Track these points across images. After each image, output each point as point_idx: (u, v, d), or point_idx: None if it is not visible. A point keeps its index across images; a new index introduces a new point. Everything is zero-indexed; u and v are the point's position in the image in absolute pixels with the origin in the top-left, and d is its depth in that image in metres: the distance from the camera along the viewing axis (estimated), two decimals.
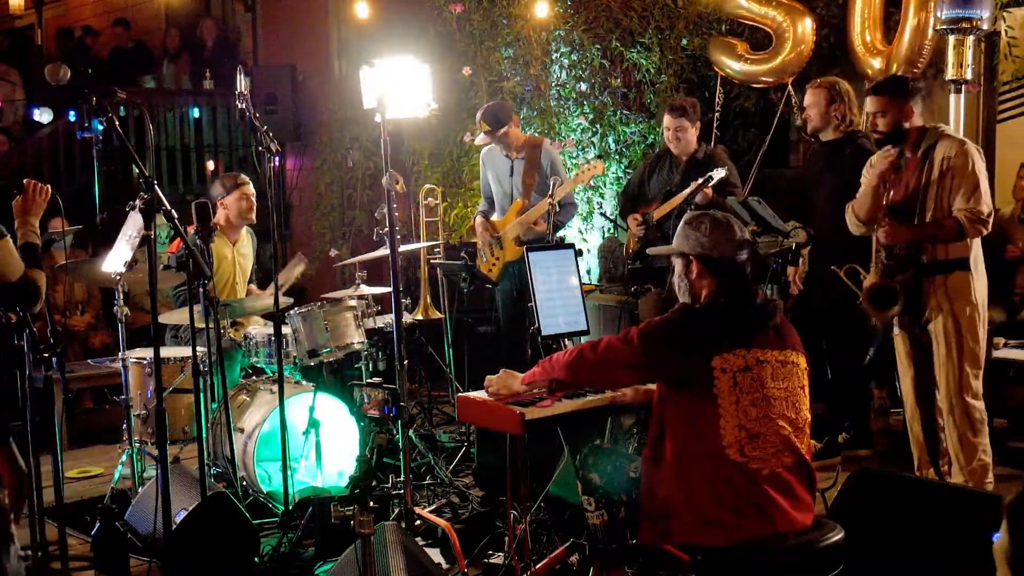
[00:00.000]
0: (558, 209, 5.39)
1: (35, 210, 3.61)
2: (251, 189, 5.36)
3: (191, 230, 4.11)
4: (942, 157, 4.29)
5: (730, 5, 6.57)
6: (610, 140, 7.37)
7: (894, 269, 4.42)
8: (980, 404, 4.40)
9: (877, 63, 5.87)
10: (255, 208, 5.39)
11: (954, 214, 4.26)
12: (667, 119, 5.60)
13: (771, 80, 6.50)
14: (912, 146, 4.40)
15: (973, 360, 4.37)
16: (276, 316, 4.39)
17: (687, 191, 5.33)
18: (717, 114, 6.75)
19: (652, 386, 3.11)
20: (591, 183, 6.94)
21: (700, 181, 5.22)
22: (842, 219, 5.00)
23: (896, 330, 4.58)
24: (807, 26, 6.27)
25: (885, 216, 4.43)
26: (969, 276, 4.35)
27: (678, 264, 3.10)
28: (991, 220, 4.29)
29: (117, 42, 11.05)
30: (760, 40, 6.67)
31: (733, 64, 6.59)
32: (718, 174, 5.25)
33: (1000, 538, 1.64)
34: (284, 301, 4.51)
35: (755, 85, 6.76)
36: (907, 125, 4.38)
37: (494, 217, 6.07)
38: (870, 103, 4.44)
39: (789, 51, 6.27)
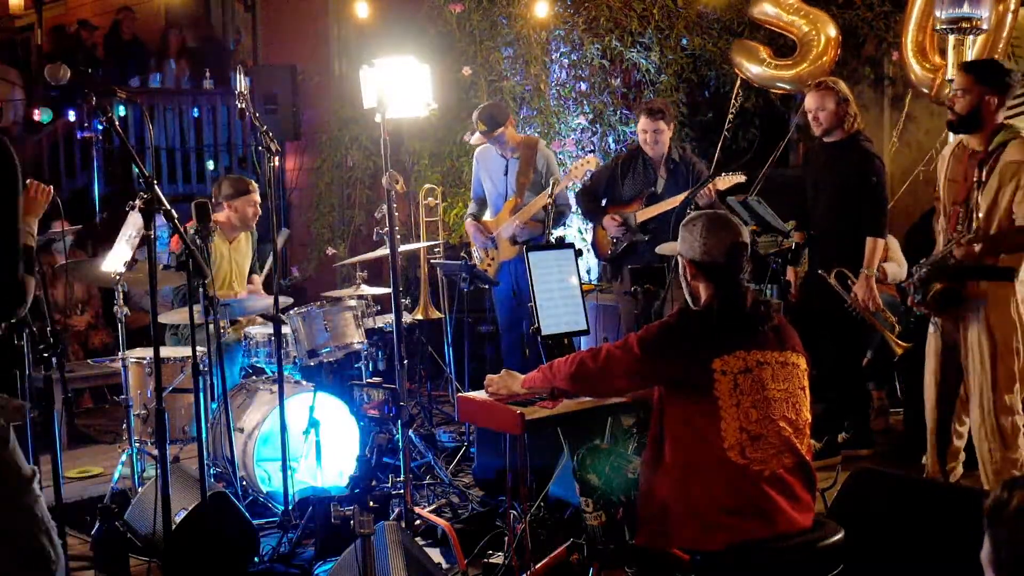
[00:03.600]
0: (555, 207, 5.39)
1: (35, 210, 3.59)
2: (258, 197, 5.37)
3: (190, 229, 4.11)
4: (1008, 160, 4.02)
5: (756, 11, 6.54)
6: (610, 140, 7.38)
7: (954, 270, 4.17)
8: (1015, 419, 4.18)
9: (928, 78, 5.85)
10: (259, 215, 5.40)
11: (1017, 222, 3.98)
12: (644, 121, 5.59)
13: (790, 88, 6.47)
14: (984, 140, 4.13)
15: (1008, 377, 4.15)
16: (276, 316, 4.39)
17: (684, 195, 5.33)
18: (731, 115, 6.74)
19: None
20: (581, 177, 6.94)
21: (702, 182, 5.24)
22: (843, 220, 5.00)
23: (932, 328, 4.41)
24: (831, 36, 6.23)
25: (955, 223, 4.16)
26: (1012, 288, 4.12)
27: (680, 263, 3.11)
28: None
29: (117, 29, 11.04)
30: (780, 46, 6.65)
31: (754, 68, 6.55)
32: (727, 181, 5.24)
33: (984, 549, 1.64)
34: (284, 301, 4.52)
35: (773, 90, 6.75)
36: (985, 116, 4.08)
37: (486, 217, 6.07)
38: (956, 79, 4.21)
39: (813, 60, 6.24)
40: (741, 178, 5.28)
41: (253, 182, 5.43)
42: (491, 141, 5.82)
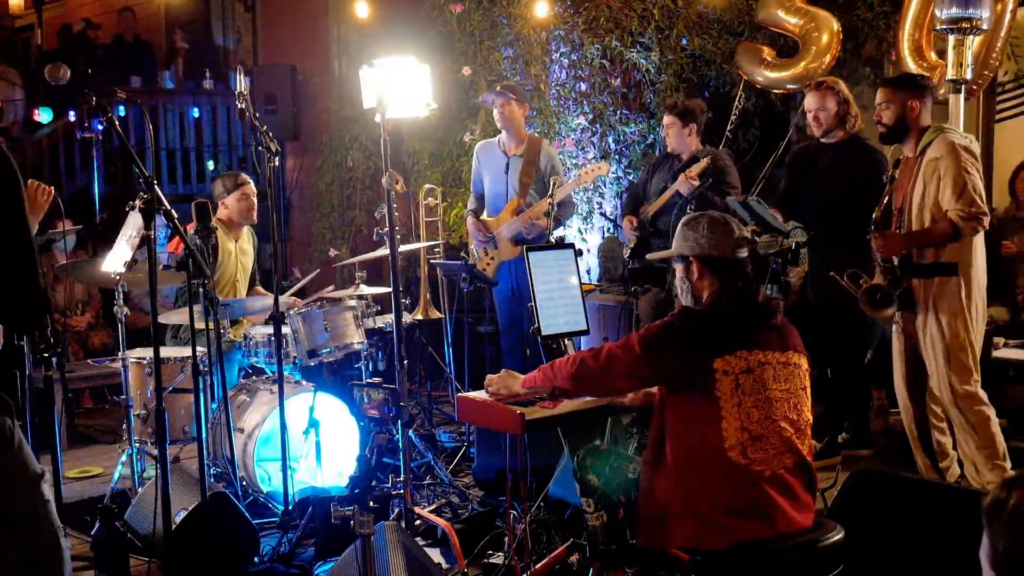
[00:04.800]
0: (556, 209, 5.39)
1: (36, 211, 3.59)
2: (252, 188, 5.39)
3: (190, 229, 4.11)
4: (930, 158, 4.24)
5: (764, 13, 6.52)
6: (610, 140, 7.38)
7: (891, 271, 4.41)
8: (982, 408, 4.28)
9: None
10: (256, 208, 5.41)
11: (947, 215, 4.18)
12: (664, 117, 5.65)
13: (795, 88, 6.46)
14: (914, 145, 4.37)
15: (963, 370, 4.27)
16: (276, 316, 4.39)
17: (674, 186, 5.36)
18: (735, 115, 6.74)
19: (652, 389, 3.11)
20: (592, 183, 6.94)
21: (684, 174, 5.27)
22: (844, 220, 5.00)
23: (895, 327, 4.56)
24: (834, 31, 6.22)
25: (875, 226, 4.40)
26: (958, 282, 4.26)
27: (678, 268, 3.09)
28: (987, 217, 4.20)
29: (119, 31, 11.04)
30: (781, 46, 6.64)
31: (759, 71, 6.53)
32: (699, 166, 5.27)
33: (983, 547, 1.65)
34: (284, 301, 4.52)
35: (778, 91, 6.74)
36: (911, 122, 4.35)
37: (484, 215, 6.04)
38: (878, 95, 4.45)
39: (816, 57, 6.23)
40: (706, 161, 5.31)
41: (244, 175, 5.47)
42: (508, 109, 5.75)
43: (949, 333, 4.28)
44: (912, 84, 4.45)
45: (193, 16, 11.45)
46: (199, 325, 3.94)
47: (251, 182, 5.42)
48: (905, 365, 4.56)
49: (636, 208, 5.79)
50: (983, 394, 4.32)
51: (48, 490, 2.78)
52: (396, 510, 4.13)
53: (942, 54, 5.50)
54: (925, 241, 4.31)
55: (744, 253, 3.01)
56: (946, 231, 4.20)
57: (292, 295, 5.43)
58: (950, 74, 5.13)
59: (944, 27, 5.09)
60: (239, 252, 5.45)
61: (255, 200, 5.40)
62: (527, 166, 5.77)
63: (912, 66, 5.91)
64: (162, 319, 4.79)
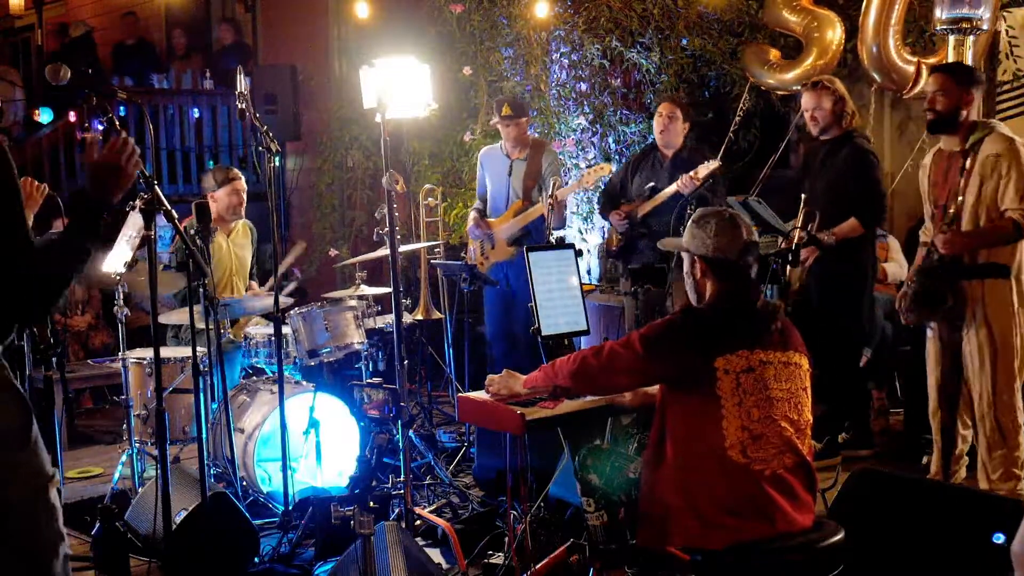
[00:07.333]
0: (555, 209, 5.38)
1: (29, 204, 3.58)
2: (242, 184, 5.39)
3: (190, 228, 4.11)
4: (987, 154, 4.10)
5: (770, 15, 6.51)
6: (610, 140, 7.38)
7: (938, 270, 4.26)
8: (1016, 416, 4.23)
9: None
10: (244, 204, 5.41)
11: (1008, 214, 4.07)
12: (663, 106, 5.66)
13: (800, 88, 6.45)
14: (961, 139, 4.23)
15: (1007, 374, 4.20)
16: (276, 316, 4.39)
17: (673, 187, 5.35)
18: (739, 117, 6.73)
19: (652, 390, 3.11)
20: (593, 185, 6.94)
21: (689, 175, 5.26)
22: (836, 216, 5.01)
23: (930, 332, 4.46)
24: (837, 30, 6.21)
25: (941, 221, 4.25)
26: (1009, 284, 4.17)
27: (685, 260, 3.11)
28: None
29: (122, 37, 11.04)
30: (782, 46, 6.63)
31: (767, 72, 6.51)
32: (707, 167, 5.27)
33: (1018, 540, 1.62)
34: (284, 301, 4.52)
35: (782, 92, 6.73)
36: (964, 115, 4.21)
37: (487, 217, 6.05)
38: (931, 82, 4.30)
39: (819, 55, 6.21)
40: (716, 163, 5.31)
41: (235, 170, 5.46)
42: (510, 127, 5.72)
43: (1000, 338, 4.18)
44: (972, 76, 4.28)
45: (196, 17, 11.43)
46: (199, 325, 3.94)
47: (241, 177, 5.42)
48: (940, 369, 4.44)
49: (614, 207, 5.79)
50: (1020, 402, 4.25)
51: (55, 495, 2.76)
52: (396, 510, 4.13)
53: (936, 53, 5.50)
54: (988, 240, 4.17)
55: (748, 259, 3.00)
56: (1008, 231, 4.09)
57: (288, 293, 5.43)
58: None
59: (944, 27, 5.09)
60: (232, 246, 5.45)
61: (244, 196, 5.40)
62: (530, 169, 5.75)
63: (873, 49, 5.88)
64: (162, 319, 4.79)
